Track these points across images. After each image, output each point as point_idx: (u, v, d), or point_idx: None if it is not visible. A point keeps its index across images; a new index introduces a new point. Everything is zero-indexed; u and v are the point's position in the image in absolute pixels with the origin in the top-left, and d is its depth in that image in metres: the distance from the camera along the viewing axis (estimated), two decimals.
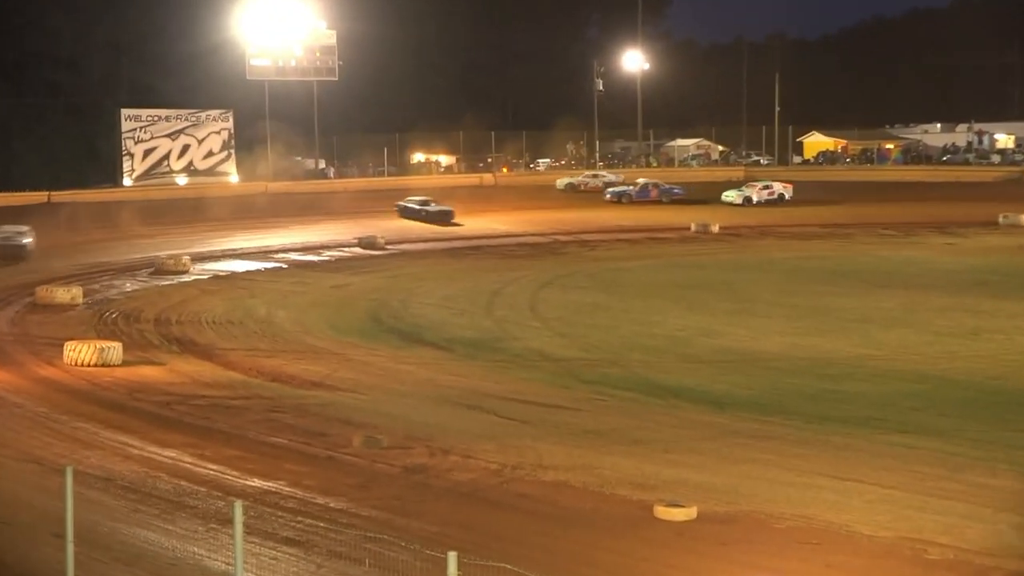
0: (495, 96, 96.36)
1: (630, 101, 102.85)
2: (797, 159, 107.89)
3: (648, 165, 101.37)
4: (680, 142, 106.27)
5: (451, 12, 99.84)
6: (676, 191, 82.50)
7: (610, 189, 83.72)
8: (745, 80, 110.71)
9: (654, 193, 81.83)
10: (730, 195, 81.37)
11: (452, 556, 11.88)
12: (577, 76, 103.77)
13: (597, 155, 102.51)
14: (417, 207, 73.61)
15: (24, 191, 73.02)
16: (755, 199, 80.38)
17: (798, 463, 25.00)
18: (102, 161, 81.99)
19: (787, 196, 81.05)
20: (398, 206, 74.16)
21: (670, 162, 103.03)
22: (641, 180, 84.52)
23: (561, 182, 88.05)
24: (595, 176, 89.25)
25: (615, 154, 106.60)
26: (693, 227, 71.13)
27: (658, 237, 68.89)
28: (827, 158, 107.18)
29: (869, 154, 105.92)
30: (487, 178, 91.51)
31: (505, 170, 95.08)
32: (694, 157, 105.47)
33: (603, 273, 56.10)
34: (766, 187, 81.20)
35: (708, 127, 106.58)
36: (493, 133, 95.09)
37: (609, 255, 62.78)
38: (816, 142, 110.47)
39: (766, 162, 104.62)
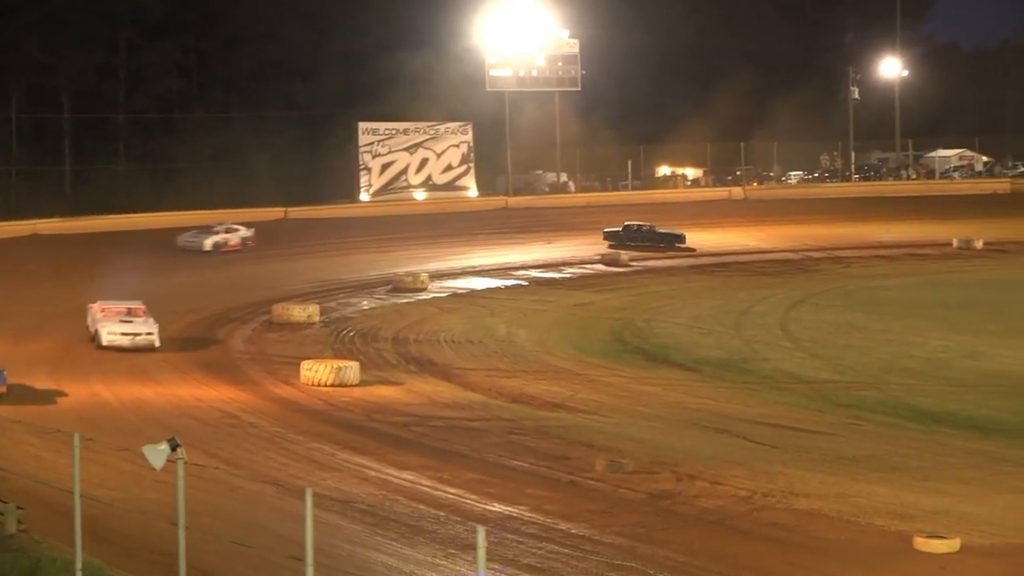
0: (744, 106, 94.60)
1: (887, 110, 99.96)
2: None
3: (908, 178, 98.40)
4: (941, 152, 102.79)
5: (699, 19, 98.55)
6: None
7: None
8: (1012, 86, 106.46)
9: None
10: (191, 241, 64.32)
11: None
12: (831, 83, 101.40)
13: (852, 167, 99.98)
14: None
15: (260, 207, 74.55)
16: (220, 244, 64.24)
17: None
18: (337, 175, 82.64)
19: (249, 243, 64.87)
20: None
21: (930, 174, 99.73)
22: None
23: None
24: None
25: (871, 165, 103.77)
26: (955, 243, 68.53)
27: (917, 253, 66.60)
28: None
29: None
30: (736, 192, 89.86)
31: (756, 184, 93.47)
32: (956, 168, 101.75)
33: (859, 291, 54.40)
34: (229, 230, 65.54)
35: (971, 136, 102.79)
36: (743, 144, 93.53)
37: (865, 272, 60.92)
38: None
39: None
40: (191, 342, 41.69)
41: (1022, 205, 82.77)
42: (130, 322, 39.68)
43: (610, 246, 66.00)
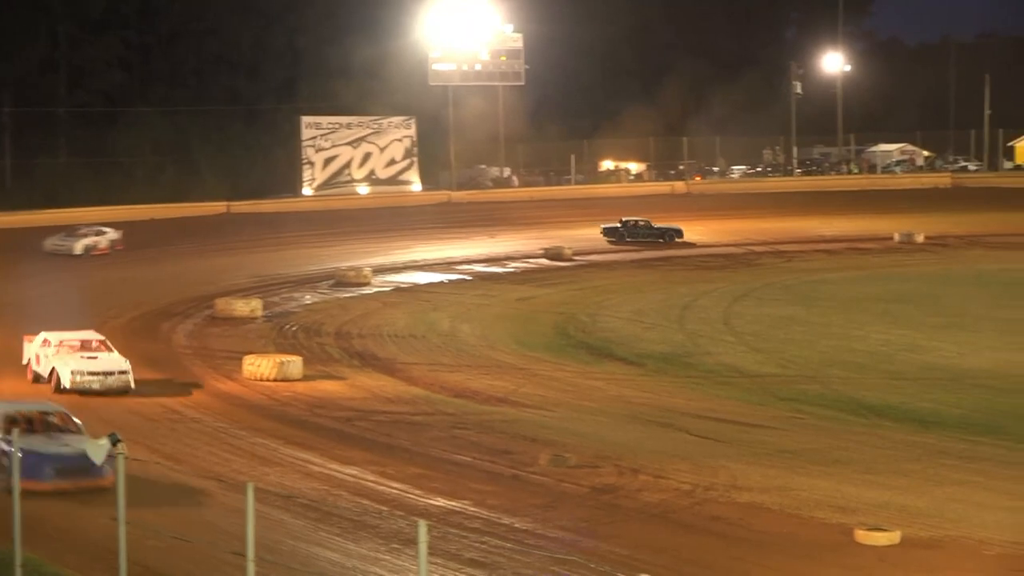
0: (688, 100, 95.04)
1: (830, 104, 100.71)
2: (1008, 164, 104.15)
3: (850, 172, 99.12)
4: (883, 147, 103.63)
5: (642, 14, 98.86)
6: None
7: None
8: (953, 81, 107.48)
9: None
10: (60, 244, 59.94)
11: None
12: (774, 78, 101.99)
13: (795, 161, 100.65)
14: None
15: (203, 201, 74.11)
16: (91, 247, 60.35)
17: (1010, 486, 24.06)
18: (280, 170, 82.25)
19: (117, 246, 60.99)
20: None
21: (872, 168, 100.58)
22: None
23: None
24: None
25: (813, 160, 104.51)
26: (896, 237, 69.09)
27: (859, 247, 67.06)
28: None
29: None
30: (679, 186, 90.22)
31: (698, 178, 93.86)
32: (898, 163, 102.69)
33: (801, 285, 54.72)
34: (99, 232, 61.59)
35: (913, 131, 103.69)
36: (686, 139, 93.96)
37: (807, 266, 61.27)
38: None
39: (975, 168, 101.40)
40: (134, 337, 41.34)
41: (963, 199, 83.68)
42: (95, 358, 32.29)
43: (609, 242, 66.30)
